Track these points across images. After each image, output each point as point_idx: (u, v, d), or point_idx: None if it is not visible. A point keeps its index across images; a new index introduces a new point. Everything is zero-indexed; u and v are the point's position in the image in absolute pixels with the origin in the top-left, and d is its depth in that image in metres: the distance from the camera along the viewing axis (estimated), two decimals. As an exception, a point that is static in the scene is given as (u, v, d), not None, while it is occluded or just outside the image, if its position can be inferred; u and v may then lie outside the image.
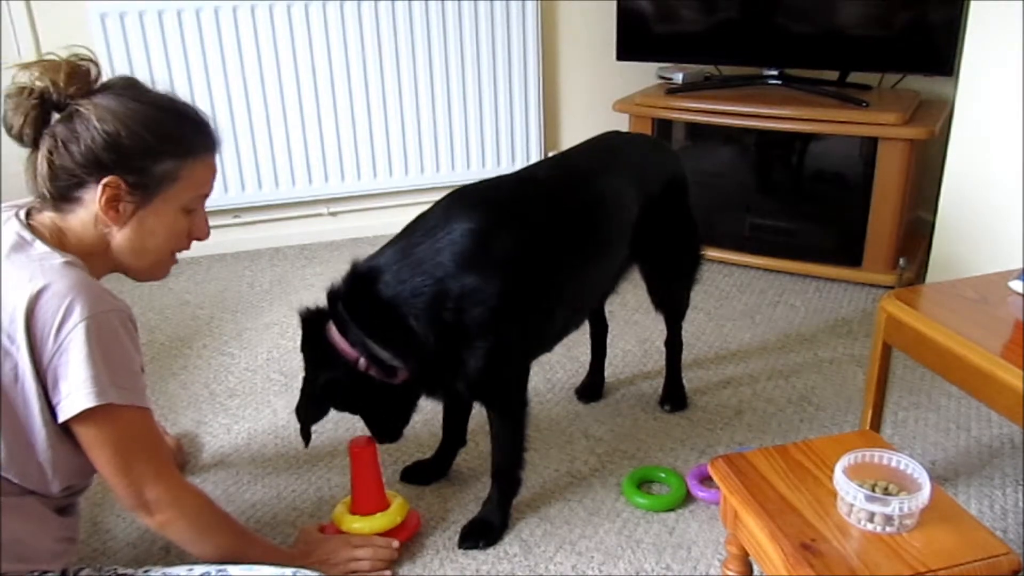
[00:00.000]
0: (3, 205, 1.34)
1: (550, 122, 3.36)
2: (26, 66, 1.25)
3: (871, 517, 1.13)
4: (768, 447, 1.33)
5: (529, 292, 1.55)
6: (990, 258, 2.29)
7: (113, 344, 1.23)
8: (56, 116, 1.26)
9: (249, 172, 3.06)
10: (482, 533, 1.66)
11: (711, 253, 2.79)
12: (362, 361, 1.49)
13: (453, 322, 1.47)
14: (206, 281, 2.95)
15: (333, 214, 3.27)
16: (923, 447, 1.92)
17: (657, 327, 2.24)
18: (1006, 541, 1.35)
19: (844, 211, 2.75)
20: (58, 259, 1.25)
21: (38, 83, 1.24)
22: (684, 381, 2.13)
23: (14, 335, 1.19)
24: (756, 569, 1.35)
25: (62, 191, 1.27)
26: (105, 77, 1.31)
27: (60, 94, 1.25)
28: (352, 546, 1.55)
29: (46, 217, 1.31)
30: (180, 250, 1.40)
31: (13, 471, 1.24)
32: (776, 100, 2.77)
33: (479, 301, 1.47)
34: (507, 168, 3.24)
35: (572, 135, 3.37)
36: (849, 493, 1.14)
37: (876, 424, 1.74)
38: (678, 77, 3.06)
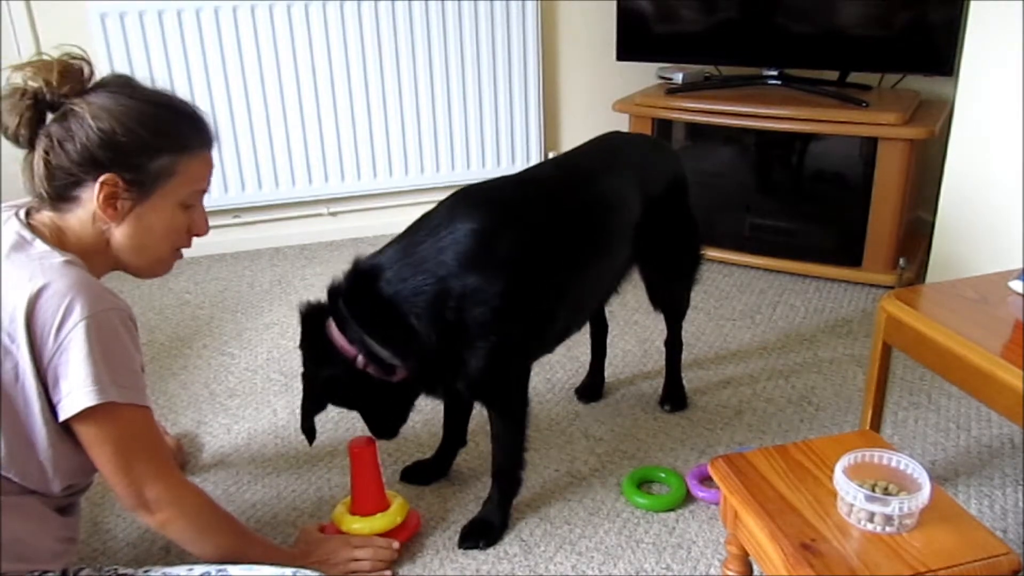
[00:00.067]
0: (3, 205, 1.34)
1: (550, 122, 3.36)
2: (19, 67, 1.25)
3: (871, 517, 1.13)
4: (768, 447, 1.32)
5: (531, 292, 1.55)
6: (990, 258, 2.29)
7: (113, 343, 1.23)
8: (51, 116, 1.26)
9: (249, 172, 3.06)
10: (482, 533, 1.66)
11: (711, 253, 2.79)
12: (360, 359, 1.49)
13: (455, 321, 1.47)
14: (206, 281, 2.95)
15: (333, 214, 3.27)
16: (923, 447, 1.92)
17: (657, 327, 2.25)
18: (1006, 541, 1.35)
19: (844, 211, 2.75)
20: (58, 258, 1.25)
21: (31, 83, 1.24)
22: (684, 381, 2.13)
23: (14, 334, 1.19)
24: (756, 569, 1.35)
25: (60, 191, 1.27)
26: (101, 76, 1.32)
27: (54, 94, 1.25)
28: (352, 546, 1.55)
29: (45, 216, 1.31)
30: (181, 247, 1.40)
31: (14, 470, 1.24)
32: (776, 100, 2.77)
33: (481, 301, 1.47)
34: (507, 168, 3.25)
35: (572, 135, 3.38)
36: (849, 493, 1.14)
37: (876, 424, 1.74)
38: (678, 77, 3.06)
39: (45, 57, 1.27)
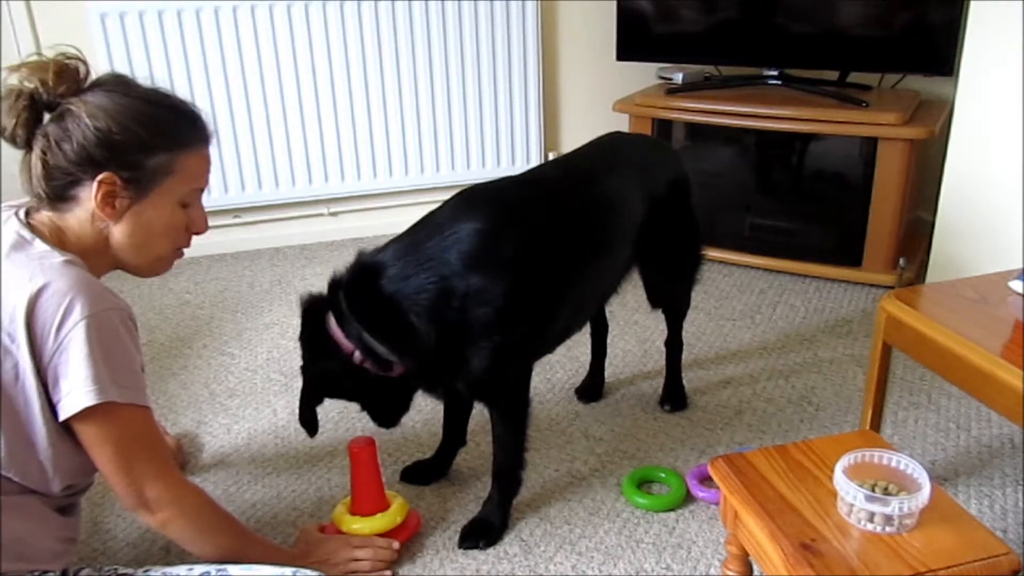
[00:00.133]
0: (2, 205, 1.34)
1: (550, 122, 3.36)
2: (15, 68, 1.25)
3: (871, 517, 1.13)
4: (768, 447, 1.33)
5: (535, 293, 1.55)
6: (990, 258, 2.29)
7: (113, 342, 1.23)
8: (47, 116, 1.26)
9: (249, 172, 3.06)
10: (482, 533, 1.66)
11: (711, 253, 2.79)
12: (357, 354, 1.49)
13: (457, 321, 1.47)
14: (206, 281, 2.95)
15: (333, 214, 3.27)
16: (923, 447, 1.92)
17: (657, 327, 2.25)
18: (1006, 541, 1.36)
19: (844, 211, 2.75)
20: (58, 258, 1.25)
21: (27, 84, 1.24)
22: (684, 381, 2.13)
23: (14, 334, 1.19)
24: (756, 569, 1.35)
25: (58, 190, 1.27)
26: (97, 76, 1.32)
27: (50, 94, 1.25)
28: (352, 546, 1.55)
29: (44, 216, 1.31)
30: (180, 246, 1.40)
31: (14, 470, 1.24)
32: (776, 100, 2.77)
33: (485, 301, 1.47)
34: (507, 168, 3.25)
35: (572, 135, 3.37)
36: (849, 493, 1.14)
37: (876, 424, 1.74)
38: (678, 77, 3.06)
39: (40, 57, 1.27)
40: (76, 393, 1.20)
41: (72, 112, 1.24)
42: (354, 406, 2.10)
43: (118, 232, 1.31)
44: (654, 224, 1.83)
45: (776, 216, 2.87)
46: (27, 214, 1.32)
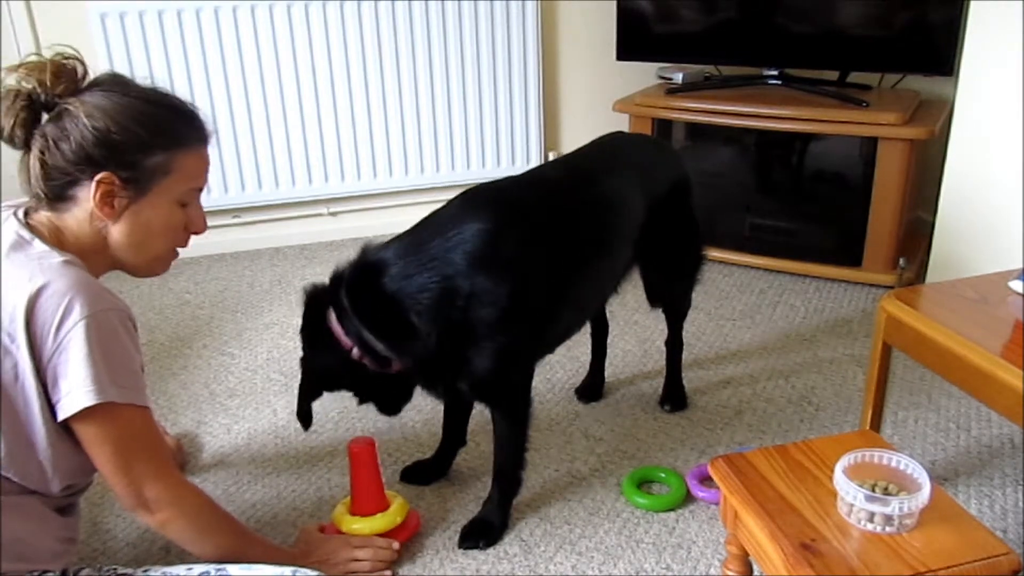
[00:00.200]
0: (2, 205, 1.34)
1: (550, 122, 3.36)
2: (12, 68, 1.25)
3: (871, 517, 1.13)
4: (768, 447, 1.32)
5: (537, 293, 1.56)
6: (990, 258, 2.29)
7: (113, 343, 1.23)
8: (46, 116, 1.26)
9: (249, 172, 3.06)
10: (482, 533, 1.66)
11: (711, 253, 2.79)
12: (356, 351, 1.49)
13: (460, 321, 1.47)
14: (206, 281, 2.95)
15: (333, 214, 3.27)
16: (923, 447, 1.92)
17: (657, 327, 2.25)
18: (1006, 541, 1.35)
19: (844, 211, 2.75)
20: (57, 258, 1.25)
21: (25, 84, 1.24)
22: (684, 381, 2.13)
23: (14, 334, 1.19)
24: (756, 569, 1.35)
25: (56, 190, 1.27)
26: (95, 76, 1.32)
27: (48, 94, 1.25)
28: (352, 546, 1.55)
29: (43, 216, 1.31)
30: (178, 245, 1.40)
31: (13, 470, 1.24)
32: (776, 100, 2.77)
33: (489, 301, 1.47)
34: (507, 168, 3.24)
35: (572, 135, 3.37)
36: (849, 493, 1.14)
37: (876, 424, 1.74)
38: (678, 77, 3.06)
39: (38, 58, 1.27)
40: (75, 393, 1.20)
41: (70, 112, 1.24)
42: (354, 407, 2.11)
43: (116, 232, 1.31)
44: (655, 224, 1.83)
45: (776, 216, 2.87)
46: (26, 214, 1.32)
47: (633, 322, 2.53)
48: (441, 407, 1.85)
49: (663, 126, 2.94)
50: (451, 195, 1.63)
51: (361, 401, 1.63)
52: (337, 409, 2.11)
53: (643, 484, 1.81)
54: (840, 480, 1.15)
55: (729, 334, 2.47)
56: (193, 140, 1.35)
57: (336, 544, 1.55)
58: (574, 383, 2.19)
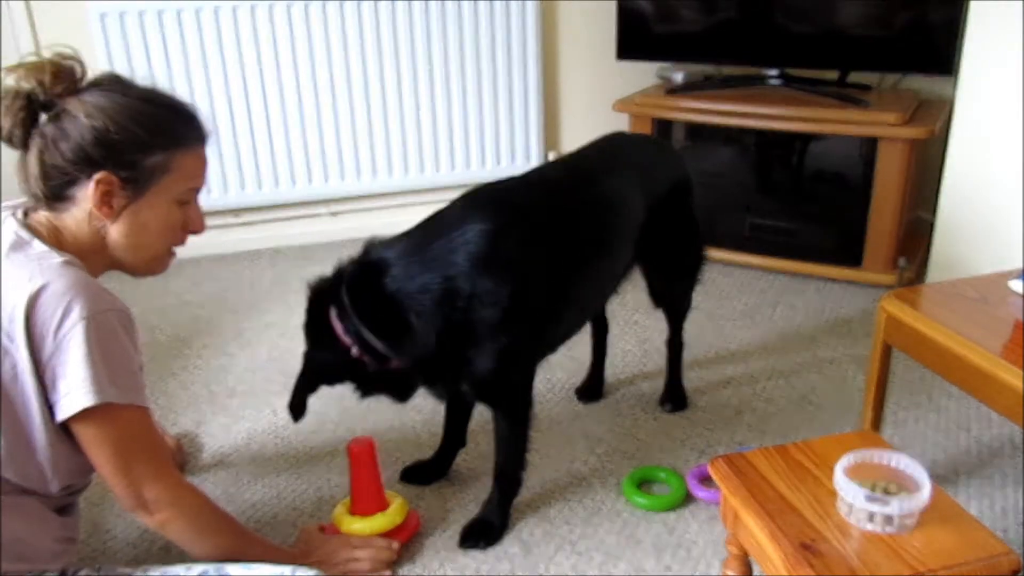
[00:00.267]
0: (1, 205, 1.34)
1: (550, 122, 3.36)
2: (11, 69, 1.25)
3: (871, 517, 1.13)
4: (768, 447, 1.32)
5: (540, 294, 1.56)
6: (990, 258, 2.29)
7: (112, 343, 1.23)
8: (44, 116, 1.26)
9: (249, 172, 3.06)
10: (482, 533, 1.66)
11: (711, 253, 2.78)
12: (355, 349, 1.50)
13: (461, 321, 1.47)
14: (206, 281, 2.94)
15: (333, 214, 3.27)
16: (923, 447, 1.92)
17: (657, 327, 2.24)
18: (1006, 541, 1.35)
19: (844, 211, 2.75)
20: (57, 259, 1.25)
21: (24, 85, 1.24)
22: (684, 381, 2.13)
23: (13, 334, 1.19)
24: (756, 569, 1.35)
25: (55, 190, 1.27)
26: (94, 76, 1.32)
27: (47, 94, 1.25)
28: (352, 546, 1.55)
29: (42, 216, 1.31)
30: (176, 244, 1.41)
31: (12, 470, 1.24)
32: (776, 100, 2.77)
33: (490, 302, 1.47)
34: (507, 168, 3.24)
35: (572, 135, 3.37)
36: (849, 493, 1.14)
37: (876, 424, 1.74)
38: (678, 77, 3.06)
39: (37, 58, 1.27)
40: (74, 394, 1.20)
41: (69, 112, 1.24)
42: (354, 407, 2.11)
43: (115, 231, 1.31)
44: (656, 224, 1.83)
45: (776, 216, 2.87)
46: (25, 214, 1.32)
47: (633, 322, 2.53)
48: (441, 407, 1.85)
49: (663, 126, 2.94)
50: (451, 195, 1.63)
51: (364, 395, 1.63)
52: (337, 409, 2.11)
53: (643, 484, 1.81)
54: (840, 480, 1.15)
55: (729, 334, 2.47)
56: (192, 140, 1.35)
57: (336, 544, 1.55)
58: (574, 383, 2.19)
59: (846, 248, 2.74)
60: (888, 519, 1.12)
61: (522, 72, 3.18)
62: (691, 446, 1.94)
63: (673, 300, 2.07)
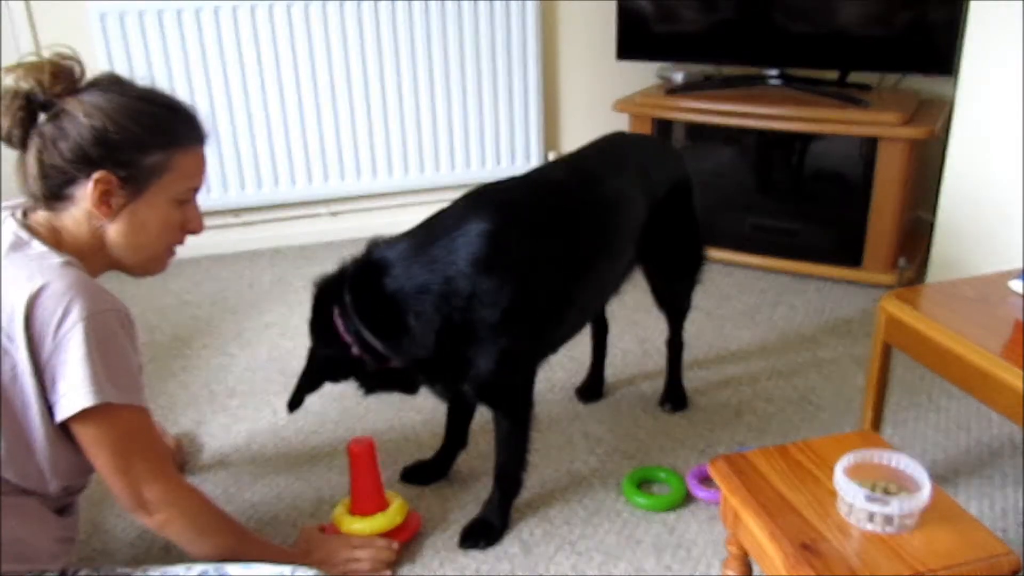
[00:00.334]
0: (1, 205, 1.34)
1: (550, 122, 3.36)
2: (10, 69, 1.26)
3: (871, 517, 1.13)
4: (768, 447, 1.32)
5: (541, 295, 1.56)
6: (990, 258, 2.29)
7: (111, 344, 1.23)
8: (43, 116, 1.26)
9: (249, 172, 3.06)
10: (482, 533, 1.66)
11: (711, 253, 2.78)
12: (355, 348, 1.50)
13: (461, 322, 1.47)
14: (206, 281, 2.94)
15: (333, 214, 3.27)
16: (923, 447, 1.92)
17: (657, 327, 2.24)
18: (1006, 541, 1.35)
19: (844, 211, 2.75)
20: (56, 259, 1.25)
21: (23, 85, 1.24)
22: (684, 381, 2.13)
23: (13, 334, 1.19)
24: (756, 569, 1.35)
25: (53, 189, 1.28)
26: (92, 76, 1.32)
27: (46, 94, 1.25)
28: (352, 547, 1.55)
29: (41, 217, 1.31)
30: (175, 244, 1.41)
31: (12, 471, 1.24)
32: (776, 100, 2.77)
33: (490, 302, 1.47)
34: (507, 168, 3.24)
35: (572, 135, 3.37)
36: (849, 493, 1.14)
37: (876, 424, 1.74)
38: (678, 77, 3.06)
39: (36, 58, 1.27)
40: (73, 394, 1.20)
41: (68, 111, 1.24)
42: (354, 407, 2.11)
43: (113, 231, 1.31)
44: (657, 224, 1.83)
45: (776, 216, 2.87)
46: (24, 215, 1.32)
47: (633, 322, 2.53)
48: (441, 406, 1.85)
49: (663, 126, 2.94)
50: (451, 195, 1.63)
51: (367, 393, 1.63)
52: (337, 409, 2.11)
53: (643, 484, 1.81)
54: (840, 480, 1.15)
55: (729, 334, 2.47)
56: (190, 140, 1.35)
57: (336, 544, 1.55)
58: (574, 383, 2.19)
59: (846, 248, 2.74)
60: (888, 519, 1.12)
61: (522, 72, 3.18)
62: (691, 446, 1.94)
63: (673, 300, 2.07)
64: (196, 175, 1.38)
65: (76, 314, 1.20)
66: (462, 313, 1.46)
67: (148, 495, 1.30)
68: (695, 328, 2.46)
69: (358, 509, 1.62)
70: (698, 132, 2.93)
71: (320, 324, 1.55)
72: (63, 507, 1.36)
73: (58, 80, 1.25)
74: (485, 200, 1.59)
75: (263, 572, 1.32)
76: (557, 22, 3.25)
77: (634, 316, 2.56)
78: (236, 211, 3.14)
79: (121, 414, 1.26)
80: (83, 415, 1.22)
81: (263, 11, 2.89)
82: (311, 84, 3.01)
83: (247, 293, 2.85)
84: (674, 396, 2.10)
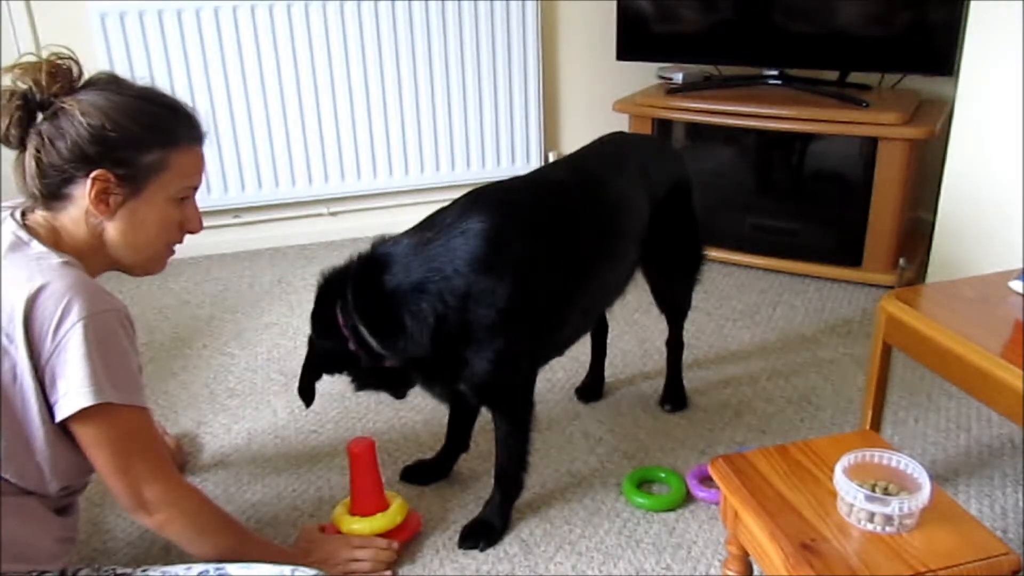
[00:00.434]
0: (0, 205, 1.34)
1: (550, 122, 3.36)
2: (8, 69, 1.26)
3: (871, 517, 1.13)
4: (768, 447, 1.32)
5: (540, 296, 1.56)
6: (990, 258, 2.29)
7: (111, 344, 1.23)
8: (41, 115, 1.26)
9: (249, 172, 3.06)
10: (482, 534, 1.66)
11: (711, 253, 2.79)
12: (351, 343, 1.50)
13: (458, 322, 1.47)
14: (206, 281, 2.94)
15: (333, 214, 3.27)
16: (923, 447, 1.92)
17: (657, 327, 2.25)
18: (1006, 541, 1.36)
19: (844, 211, 2.75)
20: (56, 259, 1.25)
21: (20, 84, 1.25)
22: (684, 381, 2.13)
23: (12, 334, 1.19)
24: (756, 569, 1.35)
25: (52, 189, 1.28)
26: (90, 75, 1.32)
27: (43, 93, 1.25)
28: (352, 547, 1.55)
29: (40, 217, 1.31)
30: (174, 243, 1.41)
31: (12, 471, 1.24)
32: (776, 100, 2.77)
33: (488, 302, 1.47)
34: (507, 168, 3.25)
35: (572, 135, 3.37)
36: (849, 493, 1.14)
37: (876, 424, 1.74)
38: (678, 77, 3.06)
39: (33, 58, 1.27)
40: (73, 394, 1.20)
41: (66, 110, 1.24)
42: (354, 407, 2.12)
43: (112, 230, 1.31)
44: (657, 225, 1.83)
45: (776, 216, 2.87)
46: (23, 215, 1.32)
47: (633, 322, 2.53)
48: (442, 407, 1.85)
49: (663, 126, 2.94)
50: (451, 195, 1.63)
51: (358, 388, 1.63)
52: (337, 409, 2.11)
53: (643, 484, 1.81)
54: (840, 480, 1.15)
55: (729, 334, 2.47)
56: (188, 138, 1.35)
57: (336, 544, 1.55)
58: (574, 383, 2.19)
59: (846, 248, 2.74)
60: (888, 519, 1.12)
61: (522, 72, 3.18)
62: (691, 446, 1.94)
63: (673, 300, 2.07)
64: (194, 173, 1.38)
65: (76, 314, 1.20)
66: (458, 312, 1.46)
67: (148, 495, 1.30)
68: (695, 328, 2.47)
69: (358, 509, 1.62)
70: (698, 132, 2.93)
71: (321, 315, 1.56)
72: (63, 507, 1.36)
73: (55, 79, 1.25)
74: (484, 199, 1.59)
75: (263, 572, 1.32)
76: (557, 22, 3.25)
77: (634, 316, 2.56)
78: (236, 211, 3.14)
79: (121, 414, 1.26)
80: (83, 415, 1.22)
81: (263, 11, 2.89)
82: (311, 84, 3.01)
83: (247, 293, 2.85)
84: (674, 396, 2.10)
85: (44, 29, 2.80)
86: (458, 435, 1.85)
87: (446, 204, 1.61)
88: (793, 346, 2.39)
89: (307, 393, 1.62)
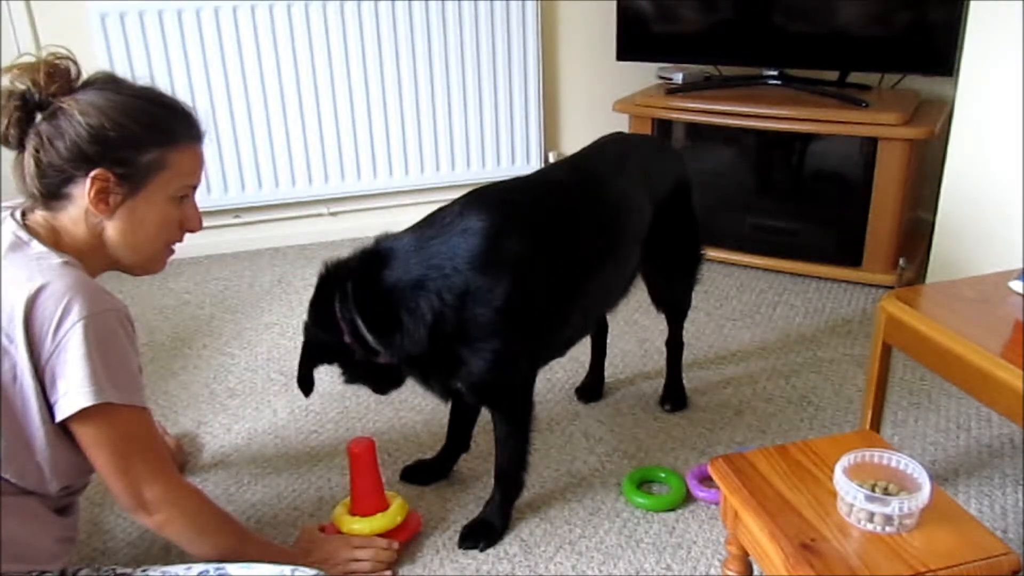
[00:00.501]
0: (0, 205, 1.34)
1: (550, 122, 3.36)
2: (6, 69, 1.26)
3: (871, 517, 1.13)
4: (768, 447, 1.32)
5: (539, 296, 1.55)
6: (990, 258, 2.29)
7: (111, 344, 1.23)
8: (40, 115, 1.26)
9: (249, 172, 3.06)
10: (482, 534, 1.66)
11: (711, 253, 2.79)
12: (347, 336, 1.50)
13: (455, 320, 1.47)
14: (206, 281, 2.94)
15: (333, 214, 3.27)
16: (923, 447, 1.92)
17: (657, 327, 2.25)
18: (1006, 541, 1.36)
19: (844, 211, 2.75)
20: (56, 259, 1.25)
21: (18, 84, 1.25)
22: (684, 381, 2.13)
23: (12, 334, 1.19)
24: (756, 569, 1.35)
25: (51, 188, 1.28)
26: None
27: (41, 93, 1.25)
28: (352, 547, 1.55)
29: (40, 217, 1.31)
30: (174, 242, 1.41)
31: (11, 471, 1.24)
32: (776, 100, 2.77)
33: (485, 301, 1.47)
34: (507, 168, 3.25)
35: (572, 135, 3.37)
36: (849, 493, 1.14)
37: (876, 424, 1.74)
38: (678, 77, 3.06)
39: (31, 58, 1.27)
40: (73, 394, 1.20)
41: (64, 110, 1.24)
42: (354, 407, 2.11)
43: (112, 229, 1.31)
44: (657, 225, 1.83)
45: (776, 216, 2.87)
46: (23, 215, 1.32)
47: (633, 322, 2.53)
48: (442, 407, 1.85)
49: (663, 126, 2.94)
50: (451, 195, 1.64)
51: (347, 381, 1.63)
52: (337, 409, 2.11)
53: (643, 484, 1.81)
54: (840, 480, 1.15)
55: (729, 334, 2.47)
56: (187, 137, 1.35)
57: (336, 544, 1.55)
58: (574, 383, 2.19)
59: (846, 248, 2.74)
60: (888, 519, 1.12)
61: (522, 72, 3.19)
62: (691, 446, 1.94)
63: (673, 300, 2.07)
64: (193, 172, 1.38)
65: (76, 314, 1.20)
66: (457, 311, 1.46)
67: (148, 495, 1.30)
68: (695, 328, 2.47)
69: (358, 509, 1.62)
70: (698, 132, 2.93)
71: (319, 304, 1.56)
72: (63, 507, 1.36)
73: (53, 79, 1.26)
74: (485, 198, 1.59)
75: (263, 572, 1.32)
76: (557, 22, 3.25)
77: (634, 316, 2.56)
78: (236, 211, 3.14)
79: (121, 414, 1.26)
80: (83, 415, 1.22)
81: (263, 11, 2.89)
82: (311, 84, 3.01)
83: (247, 293, 2.85)
84: (674, 396, 2.10)
85: (44, 29, 2.80)
86: (458, 435, 1.85)
87: (447, 204, 1.61)
88: (793, 346, 2.39)
89: (305, 383, 1.61)
